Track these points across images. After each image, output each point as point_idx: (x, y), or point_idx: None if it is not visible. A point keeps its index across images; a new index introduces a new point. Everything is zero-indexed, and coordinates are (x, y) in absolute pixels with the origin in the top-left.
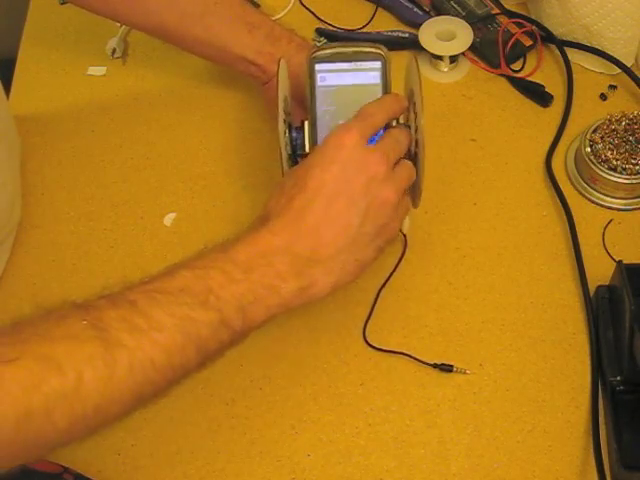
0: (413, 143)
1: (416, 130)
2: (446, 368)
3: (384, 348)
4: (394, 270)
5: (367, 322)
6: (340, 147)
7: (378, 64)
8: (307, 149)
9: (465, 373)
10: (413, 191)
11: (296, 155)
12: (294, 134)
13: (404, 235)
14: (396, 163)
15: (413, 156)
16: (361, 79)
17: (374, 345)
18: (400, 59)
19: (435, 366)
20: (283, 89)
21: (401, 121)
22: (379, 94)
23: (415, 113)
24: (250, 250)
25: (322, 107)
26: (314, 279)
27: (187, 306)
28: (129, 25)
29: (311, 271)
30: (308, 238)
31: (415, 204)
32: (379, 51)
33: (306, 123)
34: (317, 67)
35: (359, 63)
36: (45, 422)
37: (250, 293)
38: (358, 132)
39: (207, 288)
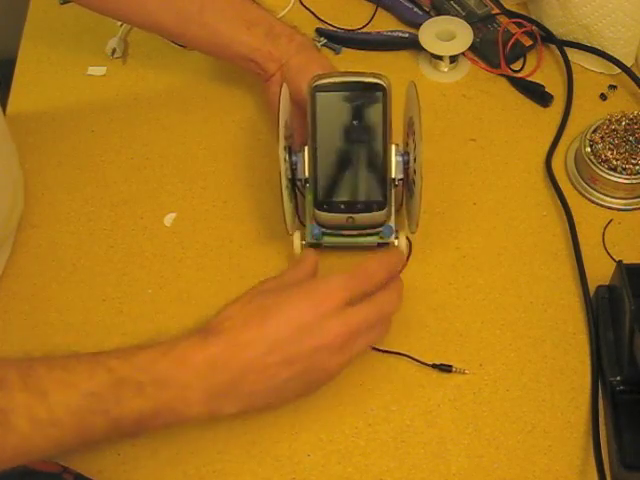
0: (412, 171)
1: (415, 160)
2: (445, 368)
3: (382, 349)
4: None
5: None
6: (315, 307)
7: (379, 95)
8: (306, 174)
9: (464, 373)
10: (409, 218)
11: (295, 179)
12: (293, 158)
13: (409, 241)
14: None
15: (411, 184)
16: (362, 109)
17: (374, 346)
18: (400, 59)
19: (434, 366)
20: (284, 114)
21: (400, 147)
22: (379, 125)
23: (415, 142)
24: (172, 364)
25: (323, 135)
26: (220, 408)
27: (90, 412)
28: (127, 23)
29: (220, 402)
30: (231, 373)
31: (412, 230)
32: (380, 82)
33: (306, 149)
34: (318, 96)
35: (360, 93)
36: None
37: (153, 410)
38: (345, 294)
39: (116, 399)
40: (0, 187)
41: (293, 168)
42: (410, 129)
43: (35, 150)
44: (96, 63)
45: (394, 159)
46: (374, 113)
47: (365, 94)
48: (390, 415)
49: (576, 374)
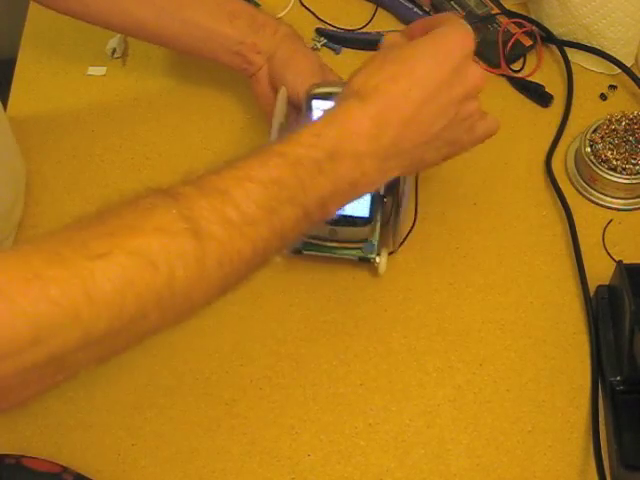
0: (401, 190)
1: (404, 180)
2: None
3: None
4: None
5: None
6: (461, 47)
7: None
8: None
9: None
10: (393, 235)
11: None
12: None
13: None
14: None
15: (400, 201)
16: None
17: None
18: None
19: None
20: (279, 117)
21: None
22: None
23: None
24: (340, 134)
25: None
26: (388, 171)
27: (277, 201)
28: (106, 27)
29: (389, 164)
30: (396, 129)
31: (392, 249)
32: None
33: None
34: (314, 104)
35: None
36: (138, 318)
37: (333, 187)
38: (474, 41)
39: (298, 181)
40: (0, 184)
41: None
42: None
43: (35, 150)
44: (96, 63)
45: None
46: None
47: None
48: (390, 415)
49: (576, 374)
